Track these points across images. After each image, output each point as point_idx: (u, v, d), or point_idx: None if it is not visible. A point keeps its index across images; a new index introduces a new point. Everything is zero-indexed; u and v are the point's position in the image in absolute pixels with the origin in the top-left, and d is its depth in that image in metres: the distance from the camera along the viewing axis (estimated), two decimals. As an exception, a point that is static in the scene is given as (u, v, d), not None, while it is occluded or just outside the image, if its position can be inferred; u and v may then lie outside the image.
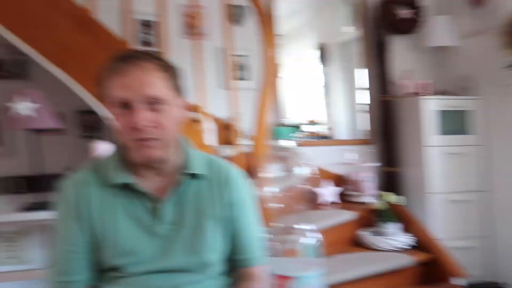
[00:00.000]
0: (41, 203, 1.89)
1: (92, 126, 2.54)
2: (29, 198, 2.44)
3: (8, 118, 1.74)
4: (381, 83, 2.84)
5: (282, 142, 0.54)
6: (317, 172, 2.43)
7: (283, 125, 2.64)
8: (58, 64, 1.62)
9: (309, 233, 0.60)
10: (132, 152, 0.94)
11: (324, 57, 3.07)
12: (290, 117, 2.81)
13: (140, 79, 0.89)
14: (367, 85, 2.90)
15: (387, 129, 2.81)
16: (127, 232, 0.93)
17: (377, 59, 2.83)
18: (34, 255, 2.49)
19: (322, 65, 3.11)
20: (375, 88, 2.89)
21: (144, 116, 0.89)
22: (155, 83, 0.90)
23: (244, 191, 1.04)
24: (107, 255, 0.93)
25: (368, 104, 2.91)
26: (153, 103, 0.90)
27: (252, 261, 1.02)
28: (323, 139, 2.91)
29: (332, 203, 2.56)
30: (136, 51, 0.96)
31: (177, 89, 0.96)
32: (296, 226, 0.59)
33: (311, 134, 2.84)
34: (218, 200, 0.99)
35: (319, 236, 0.61)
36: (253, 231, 1.03)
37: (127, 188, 0.95)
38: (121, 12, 1.79)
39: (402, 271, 2.09)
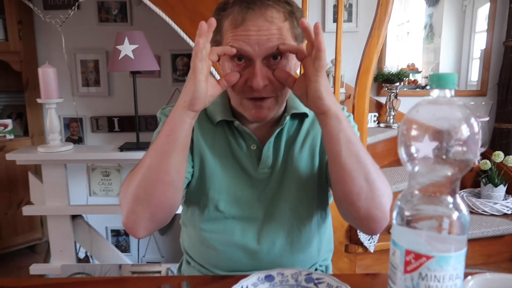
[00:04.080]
0: (134, 143, 1.97)
1: (186, 69, 2.57)
2: (123, 136, 2.58)
3: (110, 60, 1.78)
4: (508, 24, 2.44)
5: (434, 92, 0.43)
6: (417, 125, 2.23)
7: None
8: (163, 6, 1.58)
9: (455, 204, 0.49)
10: (242, 109, 0.82)
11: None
12: (390, 64, 2.57)
13: (265, 30, 0.73)
14: (485, 28, 2.52)
15: (505, 79, 2.45)
16: (225, 170, 0.87)
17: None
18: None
19: (428, 6, 2.76)
20: (498, 31, 2.51)
21: (264, 74, 0.75)
22: (281, 35, 0.74)
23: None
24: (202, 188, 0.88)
25: (482, 50, 2.54)
26: (275, 57, 0.76)
27: None
28: (425, 88, 2.64)
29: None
30: None
31: (298, 38, 0.79)
32: (441, 196, 0.48)
33: (411, 83, 2.58)
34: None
35: (465, 208, 0.50)
36: None
37: (229, 127, 0.88)
38: None
39: (502, 237, 1.92)
